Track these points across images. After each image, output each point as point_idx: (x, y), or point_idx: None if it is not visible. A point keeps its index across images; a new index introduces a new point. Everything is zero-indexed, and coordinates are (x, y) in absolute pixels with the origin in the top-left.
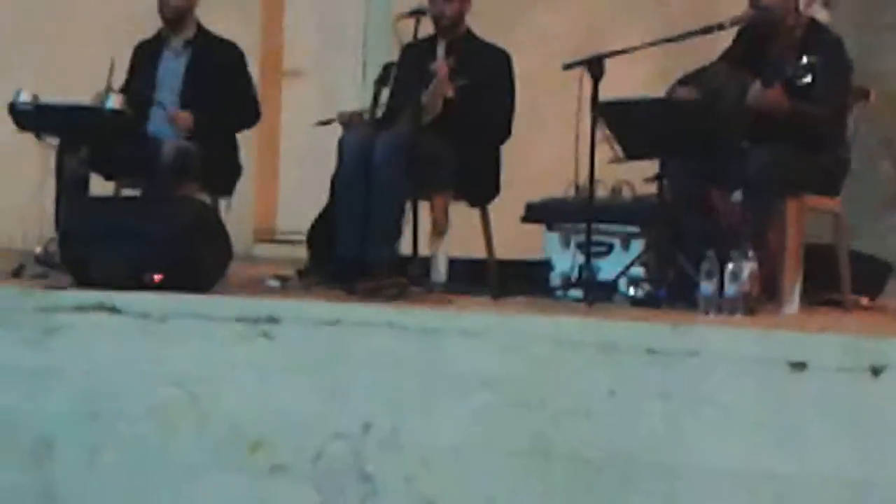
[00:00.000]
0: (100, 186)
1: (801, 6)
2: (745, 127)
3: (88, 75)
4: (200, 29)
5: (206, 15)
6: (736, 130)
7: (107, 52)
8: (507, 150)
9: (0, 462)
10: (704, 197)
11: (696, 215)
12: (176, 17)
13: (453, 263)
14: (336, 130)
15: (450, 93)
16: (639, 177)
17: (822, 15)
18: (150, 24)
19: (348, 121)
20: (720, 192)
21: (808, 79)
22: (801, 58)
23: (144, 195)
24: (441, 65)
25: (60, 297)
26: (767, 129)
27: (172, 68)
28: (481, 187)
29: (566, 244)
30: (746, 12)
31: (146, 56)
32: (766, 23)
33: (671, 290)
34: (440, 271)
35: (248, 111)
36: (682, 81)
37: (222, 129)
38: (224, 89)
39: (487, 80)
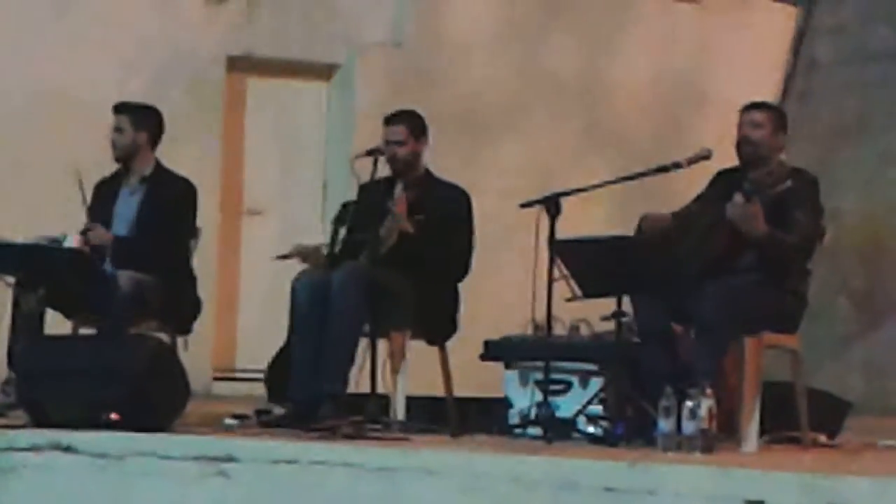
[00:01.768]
0: (55, 324)
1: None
2: (709, 257)
3: (49, 214)
4: (158, 166)
5: (169, 153)
6: (697, 263)
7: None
8: (466, 287)
9: None
10: (665, 332)
11: (655, 350)
12: (125, 157)
13: (412, 401)
14: (295, 269)
15: (408, 228)
16: (596, 314)
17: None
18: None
19: (307, 254)
20: (681, 328)
21: (789, 184)
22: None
23: (101, 333)
24: (400, 198)
25: (16, 436)
26: (734, 255)
27: (128, 203)
28: (439, 325)
29: (525, 382)
30: (702, 152)
31: (105, 193)
32: (753, 156)
33: (629, 427)
34: (398, 409)
35: (179, 244)
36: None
37: (145, 254)
38: (169, 221)
39: (445, 219)
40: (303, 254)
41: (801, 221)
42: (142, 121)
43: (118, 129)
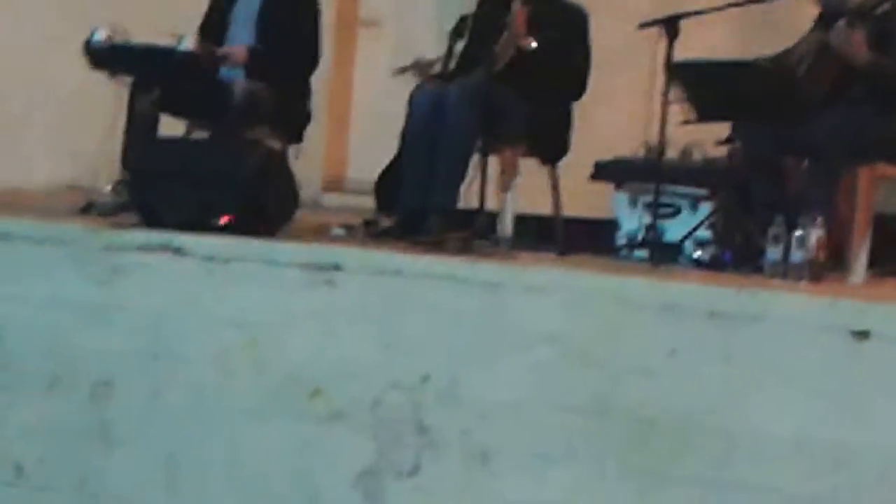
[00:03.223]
0: (170, 128)
1: None
2: (821, 86)
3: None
4: None
5: None
6: (812, 91)
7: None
8: (580, 108)
9: (59, 399)
10: (775, 162)
11: (765, 180)
12: None
13: (520, 219)
14: (409, 83)
15: (524, 43)
16: (710, 139)
17: None
18: None
19: (424, 69)
20: (791, 158)
21: (887, 7)
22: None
23: (214, 138)
24: (519, 11)
25: (127, 236)
26: (845, 85)
27: (249, 4)
28: (551, 144)
29: (634, 204)
30: None
31: None
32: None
33: (737, 254)
34: (506, 226)
35: (306, 55)
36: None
37: (278, 67)
38: (293, 30)
39: (563, 37)
40: (421, 67)
41: None
42: None
43: None
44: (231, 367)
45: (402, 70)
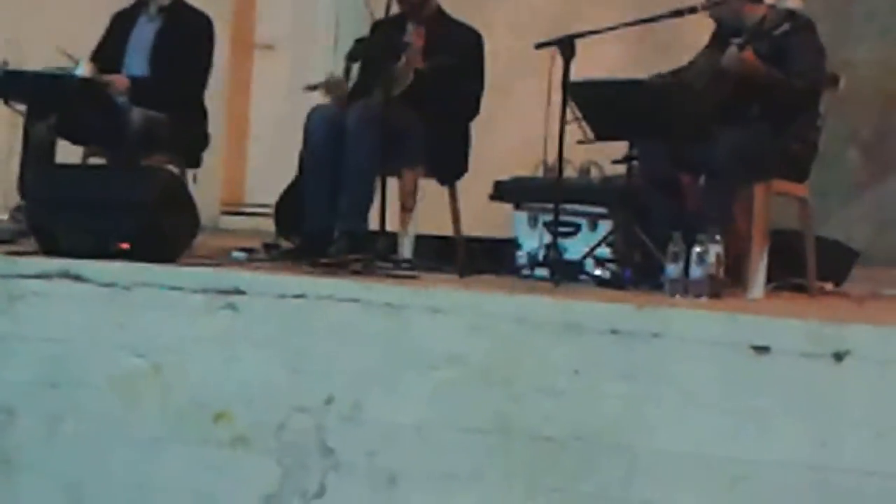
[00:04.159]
0: (67, 154)
1: None
2: (716, 103)
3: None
4: None
5: None
6: (707, 109)
7: (85, 22)
8: (477, 129)
9: None
10: (673, 179)
11: (663, 197)
12: None
13: (421, 240)
14: (306, 105)
15: (421, 65)
16: (607, 158)
17: (793, 2)
18: None
19: (334, 86)
20: (688, 175)
21: (786, 27)
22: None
23: (112, 164)
24: (417, 31)
25: (25, 264)
26: (740, 104)
27: (145, 33)
28: (450, 165)
29: (534, 223)
30: None
31: (122, 23)
32: (724, 17)
33: (637, 271)
34: (407, 247)
35: (196, 82)
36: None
37: (166, 96)
38: (185, 59)
39: (457, 58)
40: (330, 86)
41: (799, 68)
42: None
43: None
44: (134, 393)
45: (313, 87)
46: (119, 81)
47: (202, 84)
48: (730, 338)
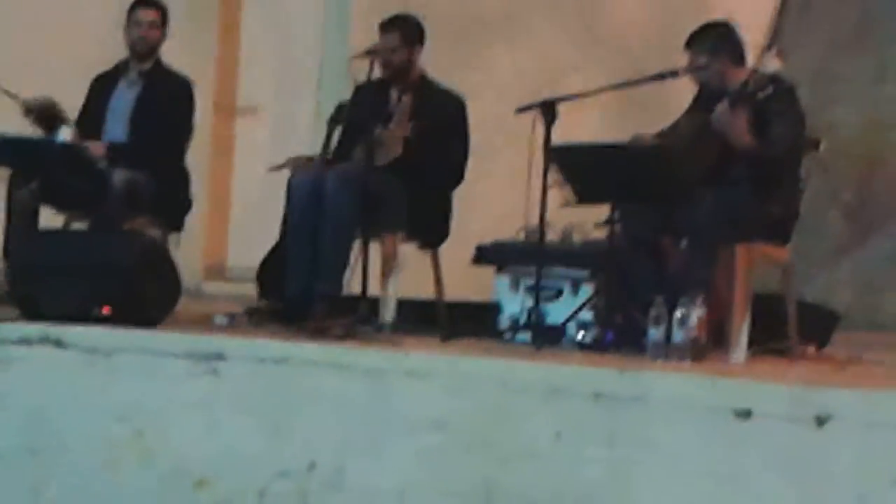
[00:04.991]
0: (50, 219)
1: (753, 61)
2: (701, 167)
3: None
4: (158, 62)
5: (163, 49)
6: (691, 172)
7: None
8: (460, 192)
9: None
10: (655, 242)
11: (645, 260)
12: (147, 52)
13: (402, 304)
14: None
15: (408, 132)
16: (589, 221)
17: (774, 65)
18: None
19: (301, 165)
20: (670, 238)
21: (769, 90)
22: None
23: (94, 228)
24: (404, 101)
25: (6, 329)
26: (723, 166)
27: (125, 98)
28: (431, 229)
29: (516, 287)
30: (699, 62)
31: (102, 88)
32: (708, 81)
33: (619, 334)
34: (389, 312)
35: (177, 146)
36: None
37: (144, 161)
38: (165, 124)
39: (442, 126)
40: (297, 164)
41: (781, 129)
42: (165, 19)
43: (141, 24)
44: (115, 459)
45: (279, 167)
46: (94, 148)
47: (183, 148)
48: (712, 402)
